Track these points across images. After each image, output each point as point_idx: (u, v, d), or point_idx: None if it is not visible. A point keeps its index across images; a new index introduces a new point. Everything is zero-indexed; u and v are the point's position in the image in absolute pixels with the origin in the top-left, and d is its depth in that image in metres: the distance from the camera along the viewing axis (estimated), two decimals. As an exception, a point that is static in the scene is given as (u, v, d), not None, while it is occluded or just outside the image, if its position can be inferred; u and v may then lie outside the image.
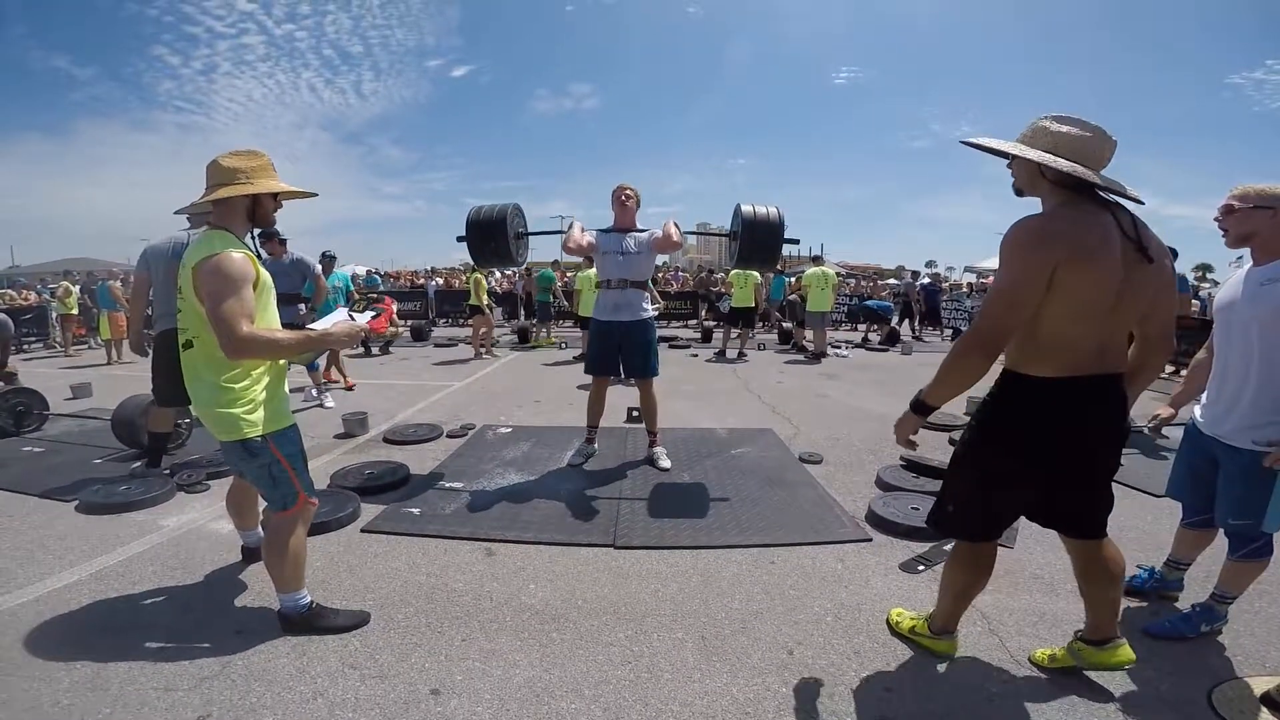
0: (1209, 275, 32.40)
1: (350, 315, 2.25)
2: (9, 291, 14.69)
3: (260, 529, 2.70)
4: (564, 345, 10.59)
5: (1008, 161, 1.75)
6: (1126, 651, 1.86)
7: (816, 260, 10.77)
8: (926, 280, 15.56)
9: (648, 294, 3.93)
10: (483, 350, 9.56)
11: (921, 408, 1.77)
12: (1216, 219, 1.99)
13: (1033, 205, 1.73)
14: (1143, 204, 1.67)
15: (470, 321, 10.06)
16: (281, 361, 2.14)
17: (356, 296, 7.80)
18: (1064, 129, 1.61)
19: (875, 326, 12.74)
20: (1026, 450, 1.70)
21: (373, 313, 2.35)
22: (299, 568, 2.17)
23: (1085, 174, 1.57)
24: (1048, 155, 1.60)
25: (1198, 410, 2.17)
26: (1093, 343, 1.61)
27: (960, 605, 1.99)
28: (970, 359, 1.62)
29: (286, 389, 2.18)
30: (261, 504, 2.47)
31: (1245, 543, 2.02)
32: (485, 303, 9.68)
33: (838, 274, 11.89)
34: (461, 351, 9.95)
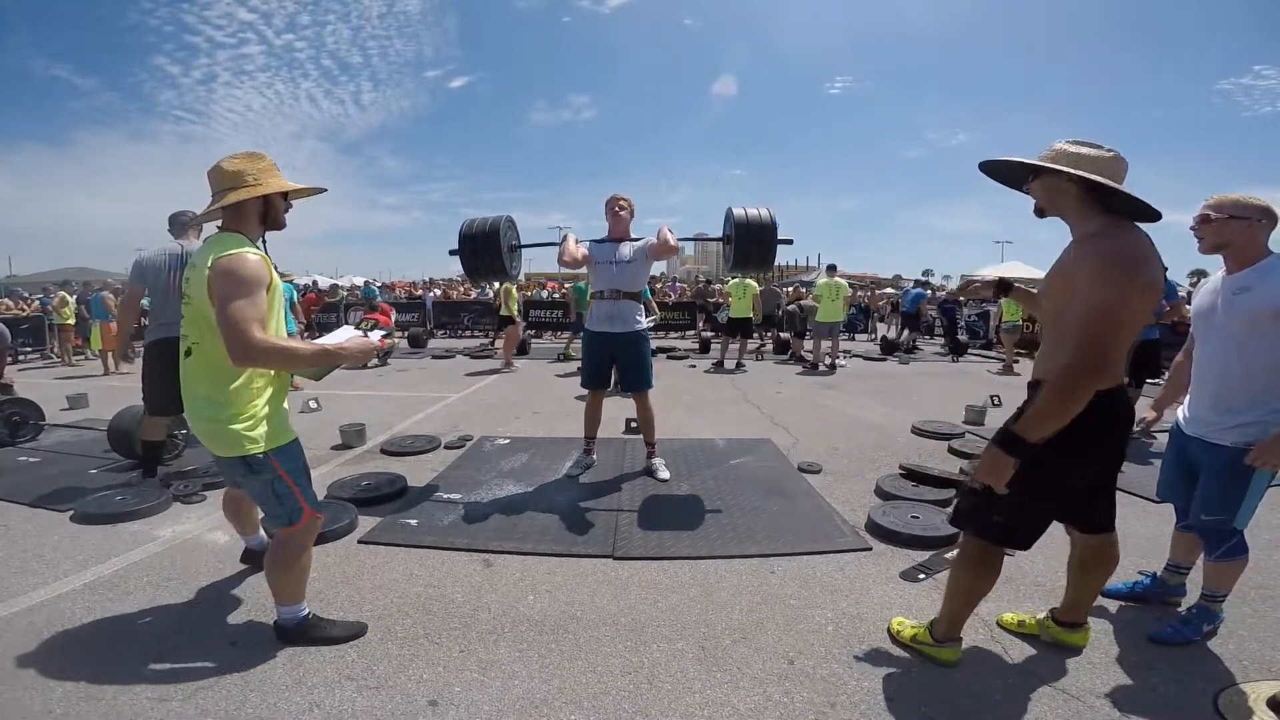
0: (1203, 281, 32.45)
1: (363, 334, 2.25)
2: (6, 300, 14.64)
3: (262, 532, 2.67)
4: (562, 357, 10.58)
5: (1029, 179, 1.78)
6: (1088, 634, 2.10)
7: (831, 270, 10.48)
8: (934, 293, 15.08)
9: (641, 306, 3.92)
10: (509, 361, 9.46)
11: (1018, 446, 1.62)
12: (1192, 228, 2.05)
13: (1053, 224, 1.79)
14: (1160, 218, 1.70)
15: (504, 333, 9.93)
16: (288, 374, 2.11)
17: (301, 319, 8.49)
18: (1084, 150, 1.68)
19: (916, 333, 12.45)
20: (1090, 459, 1.77)
21: (383, 332, 2.37)
22: (302, 581, 2.14)
23: (1123, 189, 1.62)
24: (1093, 175, 1.63)
25: (1180, 412, 2.23)
26: (1122, 357, 1.71)
27: (966, 609, 2.00)
28: (1082, 388, 1.57)
29: (285, 404, 2.15)
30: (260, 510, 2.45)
31: (1219, 541, 2.06)
32: (516, 312, 9.65)
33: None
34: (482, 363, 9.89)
